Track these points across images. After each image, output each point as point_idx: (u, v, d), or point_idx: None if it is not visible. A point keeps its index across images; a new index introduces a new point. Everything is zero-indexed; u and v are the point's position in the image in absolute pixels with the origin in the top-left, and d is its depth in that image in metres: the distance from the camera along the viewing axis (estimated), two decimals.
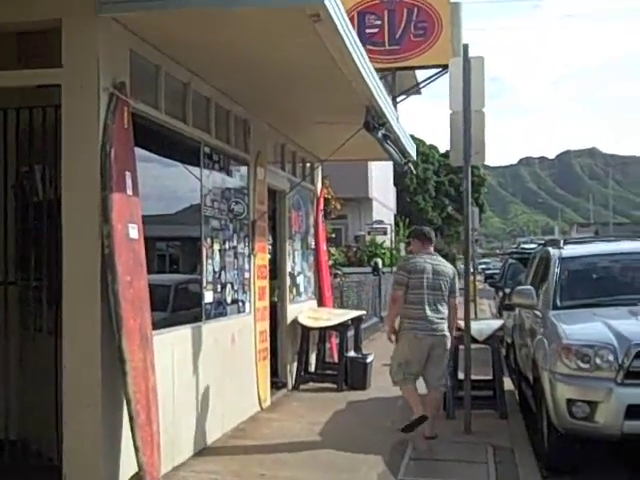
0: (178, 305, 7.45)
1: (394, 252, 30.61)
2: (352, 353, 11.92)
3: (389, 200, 40.75)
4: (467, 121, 8.32)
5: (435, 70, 12.12)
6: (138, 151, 6.08)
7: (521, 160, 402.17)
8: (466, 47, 8.38)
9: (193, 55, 6.88)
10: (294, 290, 11.78)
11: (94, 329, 5.55)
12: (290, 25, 6.03)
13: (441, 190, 58.82)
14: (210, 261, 7.95)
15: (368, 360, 11.52)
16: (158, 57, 6.66)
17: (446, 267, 7.93)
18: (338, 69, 7.06)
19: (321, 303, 13.06)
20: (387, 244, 30.76)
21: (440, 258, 8.09)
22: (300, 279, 12.19)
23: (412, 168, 11.74)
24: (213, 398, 7.78)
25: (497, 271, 42.42)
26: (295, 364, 11.41)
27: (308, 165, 12.82)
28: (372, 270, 23.34)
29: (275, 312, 10.92)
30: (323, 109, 9.23)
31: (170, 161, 7.23)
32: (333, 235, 19.08)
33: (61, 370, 5.66)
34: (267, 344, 9.97)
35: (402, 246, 33.60)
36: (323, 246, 13.49)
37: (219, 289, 8.22)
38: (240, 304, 8.98)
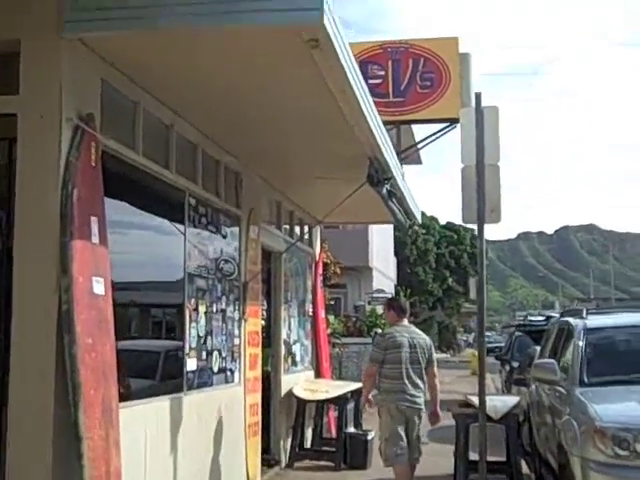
0: (154, 373, 6.55)
1: None
2: (352, 429, 10.96)
3: (389, 270, 39.96)
4: (480, 176, 7.55)
5: (438, 126, 11.33)
6: (109, 197, 5.28)
7: (520, 235, 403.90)
8: (479, 96, 7.64)
9: (173, 91, 6.15)
10: (289, 359, 10.87)
11: (46, 400, 4.65)
12: (283, 51, 5.27)
13: (442, 262, 57.97)
14: (194, 325, 7.09)
15: (369, 437, 10.55)
16: (135, 92, 5.90)
17: (423, 339, 8.01)
18: (338, 108, 6.30)
19: (318, 374, 12.14)
20: None
21: (416, 329, 8.16)
22: (296, 347, 11.30)
23: (416, 231, 10.98)
24: None
25: (498, 344, 41.75)
26: (289, 439, 10.45)
27: (306, 227, 12.06)
28: (372, 340, 22.42)
29: (268, 383, 10.01)
30: (322, 160, 8.48)
31: (148, 211, 6.39)
32: (332, 302, 18.18)
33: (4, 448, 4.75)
34: (258, 418, 9.03)
35: None
36: (322, 313, 12.62)
37: (204, 356, 7.33)
38: (228, 373, 8.08)
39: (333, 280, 17.03)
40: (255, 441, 8.82)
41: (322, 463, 10.46)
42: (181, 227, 6.92)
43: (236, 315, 8.36)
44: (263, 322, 10.15)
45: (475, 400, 8.57)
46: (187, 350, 6.90)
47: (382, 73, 10.75)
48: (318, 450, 10.99)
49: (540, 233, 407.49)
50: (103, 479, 4.68)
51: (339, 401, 10.67)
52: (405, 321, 8.12)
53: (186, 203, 7.01)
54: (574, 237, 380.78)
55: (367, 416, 13.32)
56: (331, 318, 19.66)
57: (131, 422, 5.48)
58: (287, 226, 11.01)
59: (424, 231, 53.21)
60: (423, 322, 46.81)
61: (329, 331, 15.26)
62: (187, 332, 6.90)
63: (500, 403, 8.88)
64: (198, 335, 7.17)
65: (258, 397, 9.04)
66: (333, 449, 10.68)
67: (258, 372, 9.07)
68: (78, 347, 4.60)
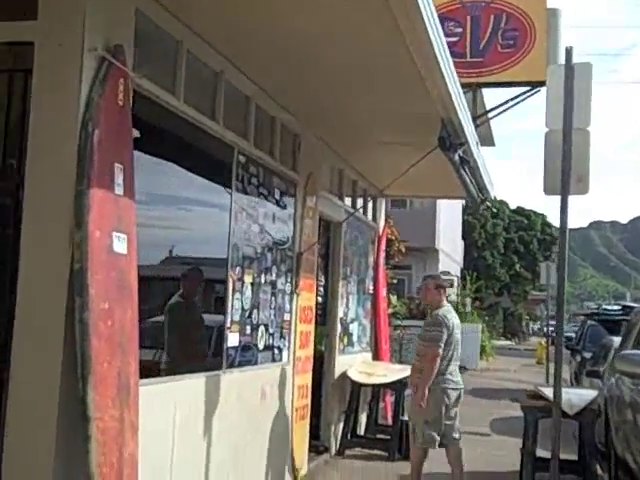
0: (188, 348, 5.87)
1: (460, 307, 28.72)
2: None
3: (456, 253, 38.95)
4: (568, 141, 6.68)
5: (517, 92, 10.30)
6: (140, 145, 4.60)
7: (591, 224, 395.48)
8: (570, 51, 6.75)
9: (225, 33, 5.41)
10: (345, 339, 10.13)
11: (52, 373, 4.00)
12: None
13: (510, 247, 56.54)
14: (238, 295, 6.41)
15: None
16: (178, 29, 5.18)
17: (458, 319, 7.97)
18: (410, 58, 5.51)
19: (376, 356, 11.39)
20: (452, 298, 28.93)
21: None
22: (353, 327, 10.55)
23: (485, 216, 10.12)
24: (230, 473, 6.18)
25: (566, 333, 40.54)
26: (341, 425, 9.75)
27: (370, 200, 11.29)
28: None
29: (321, 363, 9.32)
30: (389, 123, 7.69)
31: (188, 165, 5.67)
32: (395, 281, 17.35)
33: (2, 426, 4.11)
34: (308, 401, 8.34)
35: (468, 301, 31.72)
36: (383, 292, 11.83)
37: (248, 331, 6.65)
38: (276, 351, 7.40)
39: (397, 259, 16.20)
40: (303, 425, 8.14)
41: (375, 452, 9.77)
42: (227, 187, 6.23)
43: (287, 288, 7.66)
44: (319, 298, 9.46)
45: (547, 392, 7.78)
46: (229, 324, 6.23)
47: (459, 30, 9.82)
48: (372, 438, 10.29)
49: (613, 222, 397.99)
50: (114, 466, 4.02)
51: (397, 386, 9.92)
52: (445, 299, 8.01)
53: (234, 160, 6.31)
54: None
55: None
56: (393, 299, 18.92)
57: (156, 402, 4.84)
58: (349, 198, 10.24)
59: (495, 210, 51.92)
60: (488, 308, 45.72)
61: (390, 311, 14.50)
62: (229, 304, 6.22)
63: (576, 397, 8.02)
64: (242, 308, 6.49)
65: (308, 378, 8.35)
66: (388, 437, 9.95)
67: (310, 351, 8.38)
68: (91, 312, 3.93)
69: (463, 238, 43.41)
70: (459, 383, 7.65)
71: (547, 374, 20.91)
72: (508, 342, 51.67)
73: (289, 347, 7.70)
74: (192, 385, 5.53)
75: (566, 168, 6.68)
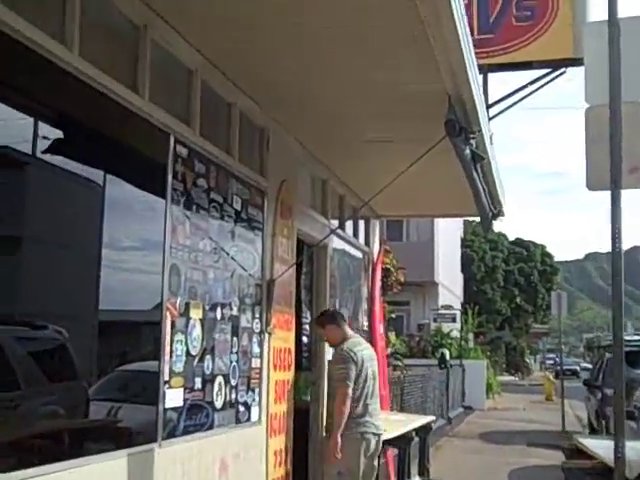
0: (95, 415, 4.06)
1: (462, 343, 26.94)
2: (417, 479, 8.38)
3: (456, 286, 37.29)
4: (615, 119, 5.02)
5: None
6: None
7: (587, 255, 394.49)
8: (613, 3, 5.12)
9: None
10: None
11: None
12: None
13: (510, 279, 54.91)
14: (181, 337, 4.67)
15: None
16: None
17: (371, 350, 6.76)
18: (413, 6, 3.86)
19: None
20: (454, 334, 27.18)
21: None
22: None
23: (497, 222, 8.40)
24: None
25: (570, 367, 38.80)
26: None
27: (361, 220, 9.62)
28: (439, 362, 20.13)
29: (306, 419, 7.54)
30: (382, 107, 6.03)
31: (91, 143, 3.98)
32: (393, 316, 15.57)
33: None
34: (288, 468, 6.57)
35: (471, 337, 29.93)
36: (380, 328, 10.06)
37: (198, 385, 4.90)
38: (241, 409, 5.63)
39: (395, 290, 14.42)
40: None
41: None
42: (159, 187, 4.53)
43: (255, 326, 5.93)
44: (305, 338, 7.78)
45: (592, 446, 6.05)
46: (166, 376, 4.49)
47: (465, 2, 8.14)
48: None
49: (610, 254, 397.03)
50: None
51: (401, 442, 8.11)
52: (348, 329, 6.66)
53: (170, 151, 4.62)
54: None
55: (432, 451, 10.71)
56: (392, 336, 17.21)
57: None
58: (336, 220, 8.52)
59: (492, 246, 50.43)
60: (490, 342, 43.85)
61: (389, 351, 12.72)
62: (166, 348, 4.49)
63: (636, 455, 6.21)
64: (188, 353, 4.75)
65: (287, 440, 6.58)
66: None
67: (288, 405, 6.62)
68: None
69: (462, 271, 41.76)
70: (380, 428, 6.45)
71: (563, 415, 19.09)
72: (512, 378, 49.79)
73: (260, 402, 5.95)
74: (103, 471, 3.78)
75: (615, 154, 5.02)
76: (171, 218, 4.59)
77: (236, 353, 5.52)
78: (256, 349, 5.91)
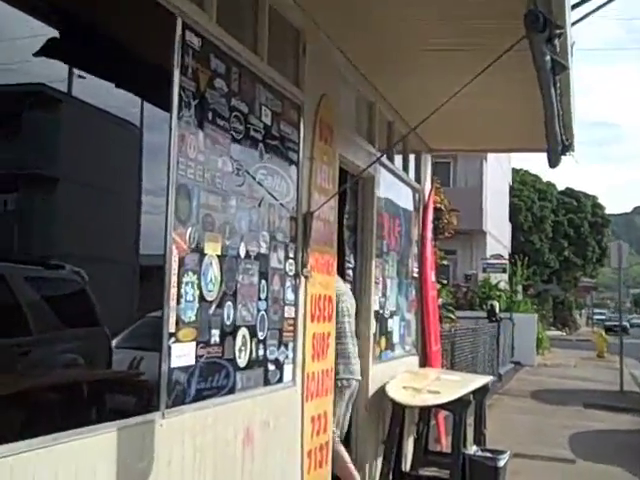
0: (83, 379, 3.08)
1: (512, 295, 25.83)
2: (473, 448, 7.35)
3: (504, 236, 36.05)
4: None
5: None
6: None
7: (636, 208, 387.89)
8: None
9: None
10: (383, 341, 7.32)
11: None
12: None
13: (559, 231, 53.33)
14: (191, 277, 3.66)
15: (500, 462, 6.98)
16: None
17: None
18: None
19: (425, 361, 8.59)
20: (502, 285, 26.08)
21: None
22: (394, 323, 7.71)
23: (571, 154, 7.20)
24: None
25: (615, 323, 37.74)
26: (379, 462, 6.99)
27: (412, 153, 8.53)
28: (487, 314, 19.16)
29: None
30: (452, 6, 4.92)
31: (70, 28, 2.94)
32: (445, 262, 14.47)
33: None
34: (328, 437, 5.59)
35: (520, 289, 28.76)
36: (431, 275, 8.99)
37: (215, 338, 3.90)
38: (270, 368, 4.63)
39: (447, 233, 13.26)
40: (320, 476, 5.39)
41: None
42: (162, 83, 3.49)
43: (289, 268, 4.90)
44: (348, 285, 6.77)
45: None
46: (172, 327, 3.50)
47: None
48: (422, 476, 7.51)
49: None
50: None
51: (458, 406, 7.07)
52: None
53: (176, 38, 3.56)
54: None
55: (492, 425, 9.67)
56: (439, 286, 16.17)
57: None
58: (383, 139, 7.42)
59: (540, 196, 48.87)
60: (537, 295, 42.57)
61: (440, 302, 11.66)
62: (171, 291, 3.49)
63: None
64: (201, 298, 3.75)
65: (328, 403, 5.60)
66: (444, 475, 7.18)
67: (329, 363, 5.61)
68: None
69: (509, 221, 40.49)
70: (355, 372, 6.09)
71: (622, 373, 17.99)
72: (559, 332, 48.56)
73: (294, 359, 4.94)
74: (88, 449, 2.81)
75: None
76: (178, 125, 3.55)
77: (265, 300, 4.50)
78: (290, 296, 4.89)
